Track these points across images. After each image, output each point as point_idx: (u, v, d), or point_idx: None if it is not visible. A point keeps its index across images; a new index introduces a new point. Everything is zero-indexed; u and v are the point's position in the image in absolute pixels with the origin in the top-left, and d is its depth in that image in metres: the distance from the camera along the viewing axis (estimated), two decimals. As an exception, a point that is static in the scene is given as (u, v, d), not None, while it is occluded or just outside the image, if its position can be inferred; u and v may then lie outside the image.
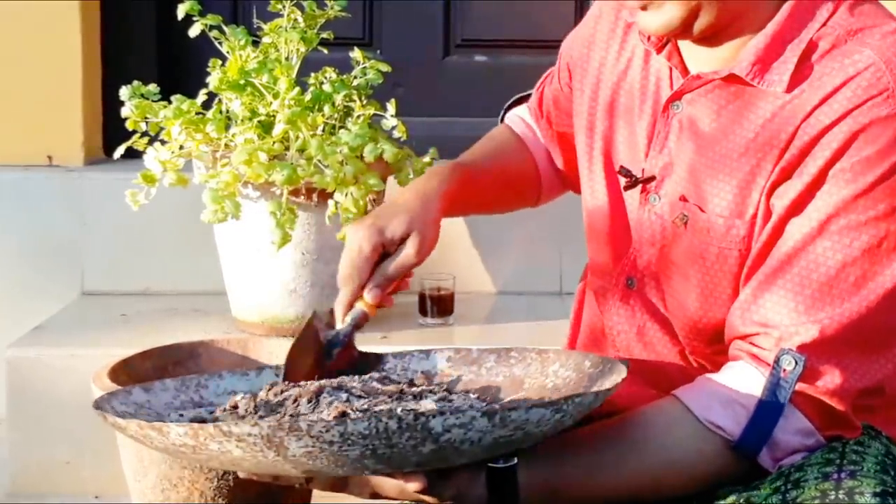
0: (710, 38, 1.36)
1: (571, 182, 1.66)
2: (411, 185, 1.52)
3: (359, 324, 1.41)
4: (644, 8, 1.34)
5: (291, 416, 1.26)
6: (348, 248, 1.43)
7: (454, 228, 2.62)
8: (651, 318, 1.45)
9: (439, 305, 2.47)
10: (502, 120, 1.74)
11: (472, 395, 1.37)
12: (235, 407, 1.32)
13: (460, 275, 2.57)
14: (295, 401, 1.29)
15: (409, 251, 1.42)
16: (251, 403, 1.31)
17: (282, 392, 1.31)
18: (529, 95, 1.73)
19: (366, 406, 1.27)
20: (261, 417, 1.28)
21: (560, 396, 1.28)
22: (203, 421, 1.35)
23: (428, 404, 1.28)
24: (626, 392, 1.44)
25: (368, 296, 1.40)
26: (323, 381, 1.33)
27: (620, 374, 1.27)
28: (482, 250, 2.71)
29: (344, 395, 1.30)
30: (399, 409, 1.25)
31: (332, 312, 1.43)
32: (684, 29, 1.33)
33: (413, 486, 1.22)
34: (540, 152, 1.68)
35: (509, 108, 1.74)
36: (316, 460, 1.13)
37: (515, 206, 1.74)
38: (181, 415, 1.37)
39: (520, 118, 1.71)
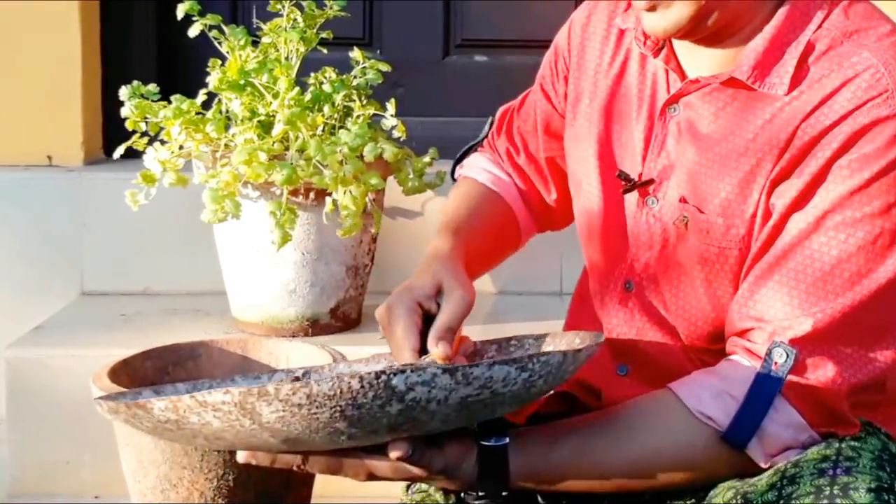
0: (710, 38, 1.36)
1: (558, 216, 1.64)
2: (423, 260, 1.42)
3: None
4: (652, 9, 1.34)
5: None
6: (385, 328, 1.34)
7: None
8: (649, 321, 1.46)
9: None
10: (453, 174, 1.69)
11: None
12: None
13: (460, 275, 2.57)
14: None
15: (451, 295, 1.32)
16: None
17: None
18: (475, 146, 1.69)
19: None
20: None
21: (529, 354, 1.28)
22: None
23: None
24: (628, 394, 1.45)
25: (438, 350, 1.27)
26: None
27: (599, 338, 1.29)
28: (482, 250, 2.71)
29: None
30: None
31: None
32: (692, 28, 1.34)
33: (396, 452, 1.22)
34: (513, 197, 1.65)
35: (458, 162, 1.70)
36: (290, 426, 1.15)
37: (503, 256, 1.67)
38: None
39: (481, 168, 1.66)
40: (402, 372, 1.13)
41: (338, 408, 1.14)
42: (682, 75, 1.41)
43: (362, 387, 1.13)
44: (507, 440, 1.27)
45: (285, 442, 1.20)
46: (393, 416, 1.16)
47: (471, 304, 1.33)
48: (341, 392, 1.13)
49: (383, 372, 1.13)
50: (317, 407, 1.13)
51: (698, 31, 1.34)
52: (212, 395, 1.14)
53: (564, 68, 1.57)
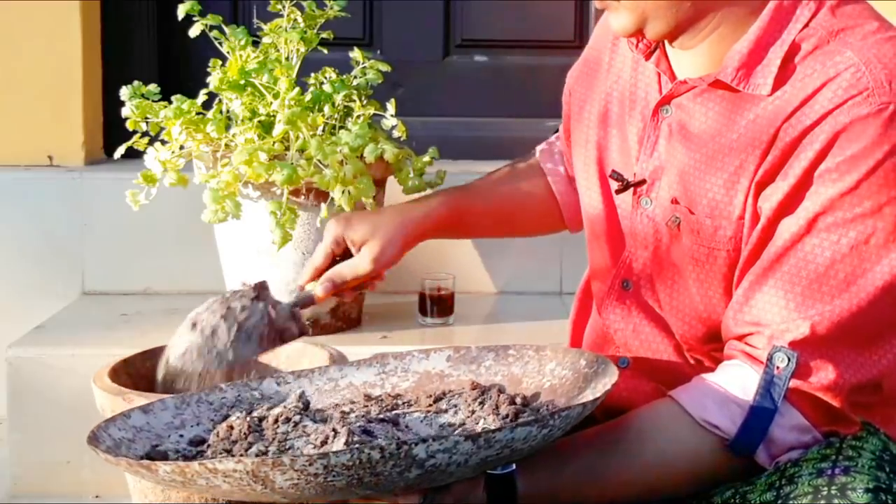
0: (683, 40, 1.37)
1: None
2: (402, 204, 1.61)
3: (303, 304, 1.53)
4: (605, 8, 1.38)
5: (280, 442, 1.26)
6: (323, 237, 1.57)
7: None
8: (646, 318, 1.46)
9: (439, 305, 2.47)
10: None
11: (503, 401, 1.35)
12: (232, 428, 1.31)
13: (460, 275, 2.57)
14: (276, 421, 1.29)
15: (362, 257, 1.54)
16: (244, 424, 1.30)
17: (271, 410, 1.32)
18: None
19: (359, 425, 1.27)
20: (250, 444, 1.27)
21: (550, 410, 1.28)
22: (203, 441, 1.34)
23: (421, 427, 1.27)
24: (627, 385, 1.45)
25: (318, 287, 1.54)
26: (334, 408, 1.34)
27: (612, 376, 1.28)
28: (482, 250, 2.71)
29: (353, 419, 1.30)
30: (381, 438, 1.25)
31: (262, 286, 1.54)
32: (639, 33, 1.36)
33: None
34: (558, 180, 1.70)
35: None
36: (304, 491, 1.13)
37: (529, 232, 1.80)
38: (181, 435, 1.36)
39: (549, 147, 1.73)
40: (424, 441, 1.11)
41: (355, 476, 1.11)
42: (673, 77, 1.42)
43: (382, 457, 1.11)
44: (514, 466, 1.26)
45: (296, 500, 1.18)
46: (411, 479, 1.14)
47: (368, 273, 1.56)
48: (360, 462, 1.10)
49: (404, 442, 1.11)
50: (333, 476, 1.11)
51: (652, 33, 1.36)
52: (223, 463, 1.11)
53: (572, 80, 1.60)
